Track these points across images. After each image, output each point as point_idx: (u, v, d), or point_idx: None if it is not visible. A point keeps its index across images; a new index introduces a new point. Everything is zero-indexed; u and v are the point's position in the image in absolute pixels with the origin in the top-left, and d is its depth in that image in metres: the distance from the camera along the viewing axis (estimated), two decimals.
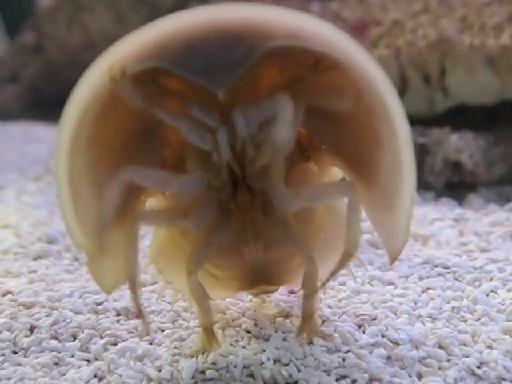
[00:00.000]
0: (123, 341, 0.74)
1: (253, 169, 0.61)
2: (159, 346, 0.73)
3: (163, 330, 0.76)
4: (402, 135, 0.61)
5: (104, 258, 0.67)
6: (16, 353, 0.73)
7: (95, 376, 0.69)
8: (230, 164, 0.60)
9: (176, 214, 0.65)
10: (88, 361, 0.71)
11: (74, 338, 0.75)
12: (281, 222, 0.65)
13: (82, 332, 0.75)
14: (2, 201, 1.32)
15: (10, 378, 0.68)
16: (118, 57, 0.58)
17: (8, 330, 0.76)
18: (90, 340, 0.74)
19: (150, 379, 0.68)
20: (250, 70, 0.55)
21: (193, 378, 0.68)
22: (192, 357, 0.70)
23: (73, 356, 0.72)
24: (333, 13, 1.58)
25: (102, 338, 0.75)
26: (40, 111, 2.10)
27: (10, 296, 0.83)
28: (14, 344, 0.74)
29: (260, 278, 0.73)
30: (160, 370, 0.69)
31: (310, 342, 0.70)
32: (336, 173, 0.71)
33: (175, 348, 0.72)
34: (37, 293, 0.84)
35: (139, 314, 0.64)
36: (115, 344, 0.73)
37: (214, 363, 0.69)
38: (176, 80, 0.59)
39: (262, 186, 0.63)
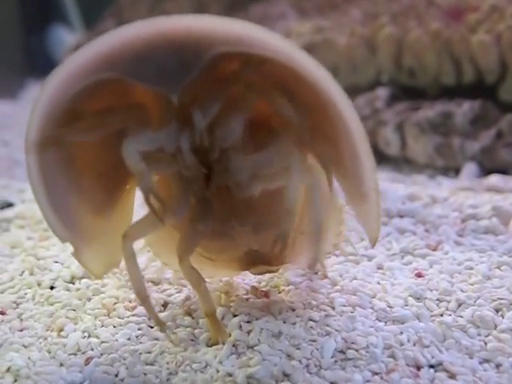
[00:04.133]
0: (257, 319, 0.73)
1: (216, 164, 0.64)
2: (293, 324, 0.73)
3: (294, 310, 0.76)
4: (354, 129, 0.62)
5: (91, 247, 0.69)
6: (152, 327, 0.73)
7: (233, 353, 0.69)
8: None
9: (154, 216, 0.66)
10: None
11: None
12: (255, 209, 0.67)
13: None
14: None
15: (149, 352, 0.69)
16: (74, 68, 0.59)
17: (142, 305, 0.76)
18: (223, 317, 0.74)
19: (290, 357, 0.67)
20: (205, 72, 0.58)
21: (333, 357, 0.68)
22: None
23: (208, 331, 0.72)
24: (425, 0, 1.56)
25: (234, 315, 0.74)
26: None
27: None
28: (150, 319, 0.74)
29: (257, 259, 0.74)
30: (299, 349, 0.69)
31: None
32: None
33: (311, 327, 0.72)
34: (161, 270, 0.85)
35: (159, 325, 0.68)
36: (249, 322, 0.73)
37: (353, 343, 0.69)
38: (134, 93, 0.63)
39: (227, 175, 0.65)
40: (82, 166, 0.67)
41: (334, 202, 0.72)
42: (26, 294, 0.80)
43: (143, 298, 0.67)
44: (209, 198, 0.66)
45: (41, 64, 2.60)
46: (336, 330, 0.71)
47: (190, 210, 0.67)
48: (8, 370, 0.66)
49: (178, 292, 0.79)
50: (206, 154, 0.63)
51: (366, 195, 0.66)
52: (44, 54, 2.70)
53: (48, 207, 0.66)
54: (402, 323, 0.72)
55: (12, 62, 2.49)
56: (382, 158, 1.41)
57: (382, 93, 1.43)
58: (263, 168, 0.65)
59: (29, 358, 0.68)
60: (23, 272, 0.85)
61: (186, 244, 0.68)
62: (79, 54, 0.59)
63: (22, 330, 0.72)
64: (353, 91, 1.54)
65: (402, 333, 0.70)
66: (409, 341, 0.69)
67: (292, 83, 0.62)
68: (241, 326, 0.72)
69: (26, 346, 0.70)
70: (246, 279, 0.82)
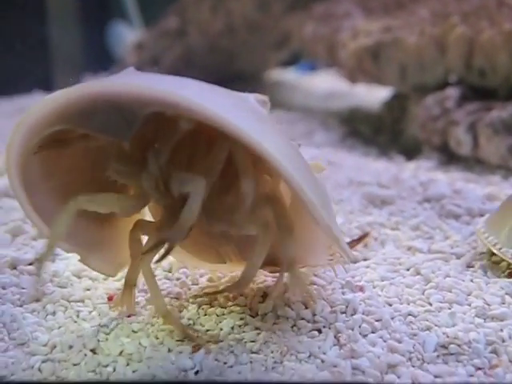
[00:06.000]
0: (355, 312, 0.75)
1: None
2: (392, 318, 0.74)
3: (391, 304, 0.77)
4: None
5: (99, 252, 0.75)
6: (254, 317, 0.75)
7: (335, 344, 0.70)
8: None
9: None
10: (319, 330, 0.73)
11: (306, 307, 0.76)
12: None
13: (313, 301, 0.77)
14: None
15: (254, 341, 0.70)
16: (33, 122, 0.66)
17: (242, 295, 0.79)
18: (322, 310, 0.76)
19: (392, 350, 0.69)
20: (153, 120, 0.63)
21: (435, 351, 0.69)
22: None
23: (309, 322, 0.74)
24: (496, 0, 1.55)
25: (331, 307, 0.76)
26: None
27: None
28: (250, 309, 0.76)
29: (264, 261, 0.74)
30: (400, 342, 0.70)
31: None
32: None
33: (410, 322, 0.73)
34: None
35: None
36: (348, 314, 0.75)
37: (456, 338, 0.70)
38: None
39: None
40: (78, 183, 0.74)
41: None
42: None
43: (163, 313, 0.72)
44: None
45: (99, 59, 2.64)
46: (436, 326, 0.72)
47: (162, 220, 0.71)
48: (120, 353, 0.69)
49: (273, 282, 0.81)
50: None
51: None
52: (102, 50, 2.75)
53: (45, 227, 0.73)
54: (502, 320, 0.73)
55: (70, 56, 2.54)
56: (452, 158, 1.41)
57: (453, 92, 1.43)
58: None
59: (139, 344, 0.70)
60: None
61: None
62: (36, 108, 0.65)
63: (130, 316, 0.75)
64: (421, 90, 1.55)
65: (502, 330, 0.71)
66: (510, 337, 0.70)
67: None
68: (337, 318, 0.74)
69: (135, 332, 0.72)
70: (340, 274, 0.84)
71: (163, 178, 0.67)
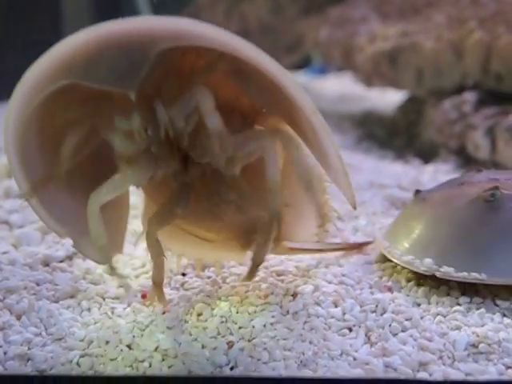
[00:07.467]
0: (384, 311, 0.76)
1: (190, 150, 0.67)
2: (421, 318, 0.75)
3: (419, 304, 0.78)
4: (307, 108, 0.65)
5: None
6: (284, 315, 0.76)
7: (366, 342, 0.72)
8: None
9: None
10: (350, 328, 0.74)
11: (336, 306, 0.78)
12: (235, 186, 0.70)
13: (343, 300, 0.78)
14: None
15: (286, 339, 0.71)
16: (35, 77, 0.62)
17: (272, 294, 0.80)
18: (351, 309, 0.77)
19: (422, 348, 0.70)
20: (162, 67, 0.62)
21: (465, 349, 0.70)
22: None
23: (339, 320, 0.75)
24: None
25: (361, 306, 0.77)
26: None
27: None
28: (281, 307, 0.77)
29: (254, 238, 0.75)
30: (431, 341, 0.71)
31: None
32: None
33: (440, 322, 0.74)
34: (282, 262, 0.88)
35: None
36: (377, 313, 0.76)
37: (485, 337, 0.71)
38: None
39: (205, 159, 0.67)
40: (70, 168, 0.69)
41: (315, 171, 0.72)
42: None
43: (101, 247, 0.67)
44: (188, 182, 0.69)
45: None
46: (466, 325, 0.74)
47: (171, 192, 0.70)
48: (156, 349, 0.70)
49: (304, 283, 0.82)
50: (179, 140, 0.65)
51: (333, 166, 0.70)
52: None
53: (41, 209, 0.71)
54: None
55: None
56: (469, 161, 1.42)
57: (470, 97, 1.44)
58: (239, 150, 0.67)
59: (174, 340, 0.71)
60: None
61: (160, 220, 0.72)
62: (38, 63, 0.62)
63: (164, 313, 0.76)
64: (437, 94, 1.56)
65: None
66: None
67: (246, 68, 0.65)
68: (370, 317, 0.75)
69: (169, 328, 0.74)
70: (367, 274, 0.85)
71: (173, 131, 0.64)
